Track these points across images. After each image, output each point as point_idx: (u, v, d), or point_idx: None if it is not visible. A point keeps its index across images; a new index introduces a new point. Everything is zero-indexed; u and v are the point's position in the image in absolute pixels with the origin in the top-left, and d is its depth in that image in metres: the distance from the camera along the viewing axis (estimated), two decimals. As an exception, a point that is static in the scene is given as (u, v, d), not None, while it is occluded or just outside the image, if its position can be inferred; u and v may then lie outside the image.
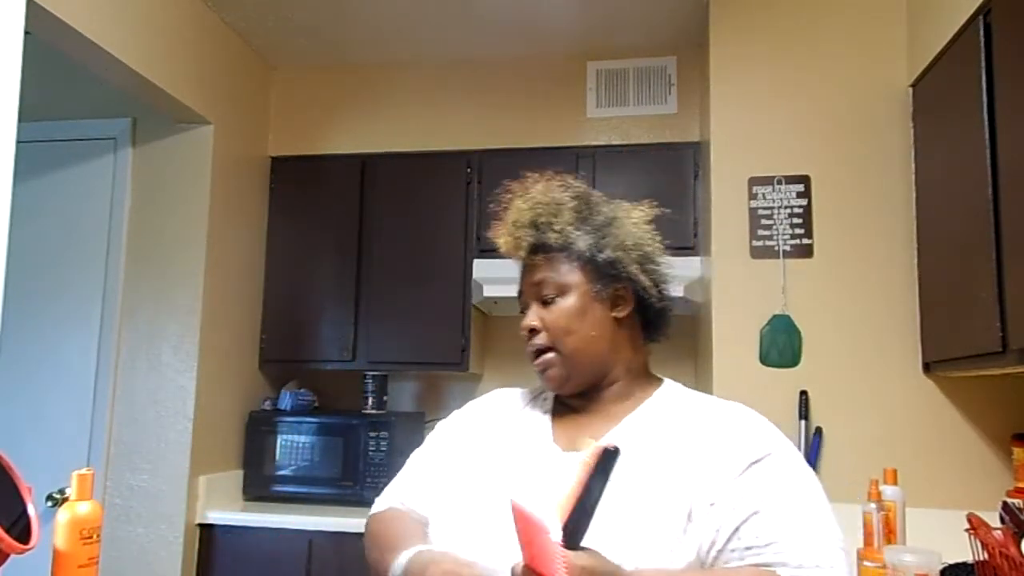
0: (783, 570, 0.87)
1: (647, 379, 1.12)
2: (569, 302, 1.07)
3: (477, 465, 1.08)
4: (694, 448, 0.97)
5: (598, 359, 1.07)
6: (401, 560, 0.95)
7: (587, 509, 0.78)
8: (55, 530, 0.98)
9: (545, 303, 1.08)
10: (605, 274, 1.07)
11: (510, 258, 1.13)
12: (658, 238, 1.13)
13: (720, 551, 0.90)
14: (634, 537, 0.89)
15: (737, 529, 0.89)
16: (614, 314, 1.08)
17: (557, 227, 1.08)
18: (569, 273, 1.07)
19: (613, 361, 1.08)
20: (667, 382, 1.13)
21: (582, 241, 1.08)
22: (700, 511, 0.91)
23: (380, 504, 1.19)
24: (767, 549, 0.88)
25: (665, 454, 0.98)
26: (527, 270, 1.11)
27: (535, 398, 1.18)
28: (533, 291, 1.09)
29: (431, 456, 1.18)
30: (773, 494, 0.91)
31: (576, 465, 0.79)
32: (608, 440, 0.82)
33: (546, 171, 1.16)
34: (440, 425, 1.22)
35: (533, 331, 1.08)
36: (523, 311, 1.11)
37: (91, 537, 0.99)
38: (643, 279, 1.08)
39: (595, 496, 0.78)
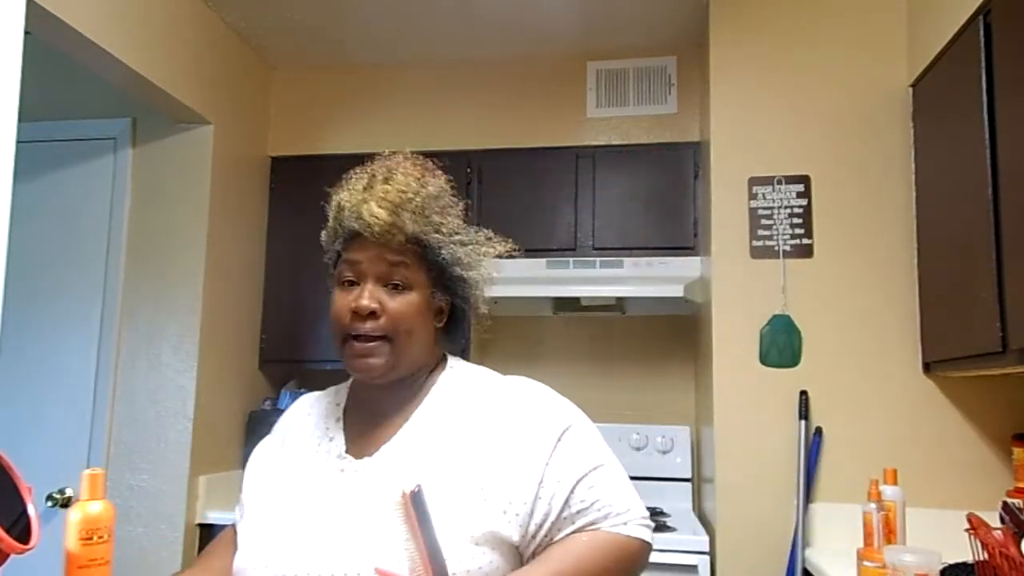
0: (605, 522, 1.00)
1: (434, 365, 1.13)
2: (415, 298, 1.04)
3: (274, 486, 1.07)
4: (496, 431, 1.01)
5: (416, 362, 1.08)
6: None
7: (435, 545, 0.88)
8: (66, 530, 0.97)
9: (396, 287, 1.03)
10: (445, 287, 1.08)
11: (359, 223, 1.03)
12: (491, 269, 1.14)
13: (554, 521, 0.99)
14: (486, 536, 0.95)
15: (567, 499, 0.99)
16: (435, 323, 1.10)
17: (441, 229, 1.06)
18: (419, 271, 1.05)
19: (423, 364, 1.10)
20: (449, 362, 1.14)
21: (447, 250, 1.06)
22: (532, 492, 0.98)
23: None
24: (591, 508, 1.00)
25: (469, 443, 1.01)
26: (378, 243, 1.02)
27: (327, 403, 1.17)
28: (381, 270, 1.03)
29: (245, 480, 1.17)
30: (586, 460, 1.02)
31: (397, 516, 0.89)
32: (406, 475, 0.95)
33: (417, 156, 1.12)
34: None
35: (372, 314, 1.02)
36: (345, 283, 1.05)
37: (97, 538, 0.96)
38: (468, 309, 1.12)
39: (432, 531, 0.88)
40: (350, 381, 1.17)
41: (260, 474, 1.13)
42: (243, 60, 3.09)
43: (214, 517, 2.72)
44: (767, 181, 2.48)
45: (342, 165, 3.81)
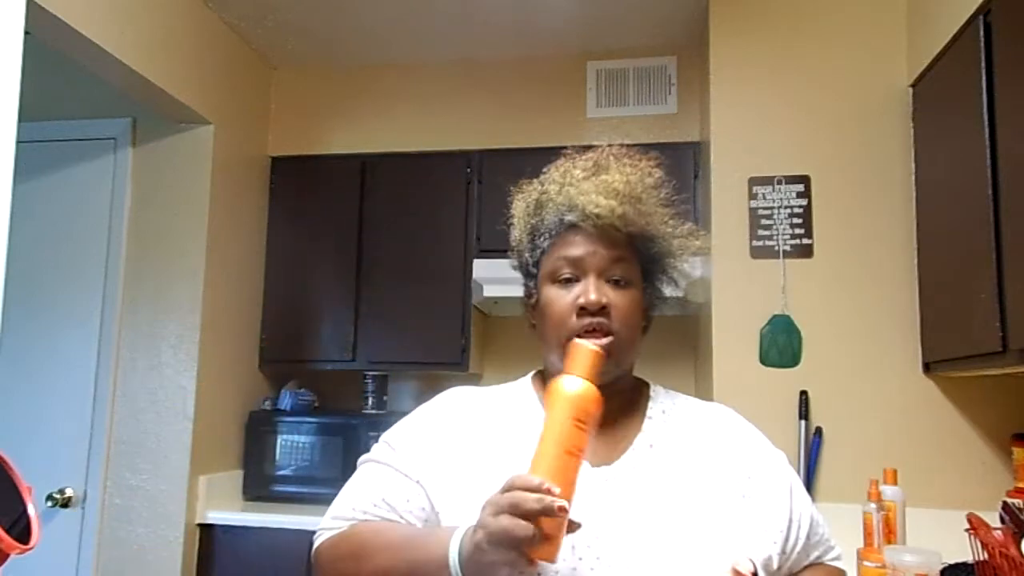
0: (827, 555, 1.07)
1: (634, 378, 1.09)
2: (635, 295, 0.99)
3: (492, 483, 0.88)
4: (738, 455, 1.01)
5: (630, 363, 1.02)
6: (454, 543, 0.83)
7: None
8: (553, 403, 0.82)
9: (617, 283, 0.97)
10: (652, 283, 1.03)
11: (576, 214, 0.97)
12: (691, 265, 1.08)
13: (798, 553, 1.00)
14: (764, 562, 0.94)
15: (809, 531, 1.02)
16: (644, 321, 1.03)
17: (662, 222, 1.01)
18: (636, 266, 0.99)
19: (632, 366, 1.05)
20: (649, 382, 1.10)
21: (664, 244, 1.01)
22: (785, 521, 0.99)
23: (337, 522, 1.02)
24: (821, 541, 1.05)
25: (714, 463, 0.99)
26: (597, 237, 0.96)
27: (513, 401, 1.06)
28: (604, 264, 0.96)
29: (413, 471, 1.00)
30: (808, 497, 1.05)
31: None
32: (740, 556, 0.86)
33: (625, 146, 1.05)
34: (398, 439, 1.05)
35: (602, 309, 0.94)
36: (562, 280, 0.98)
37: (582, 424, 0.82)
38: (662, 305, 1.05)
39: None
40: (527, 380, 1.09)
41: (467, 474, 0.97)
42: (243, 60, 3.09)
43: (214, 517, 2.72)
44: (767, 181, 2.48)
45: (342, 165, 3.81)
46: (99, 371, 2.76)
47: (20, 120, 1.62)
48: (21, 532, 0.95)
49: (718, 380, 2.42)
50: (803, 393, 2.35)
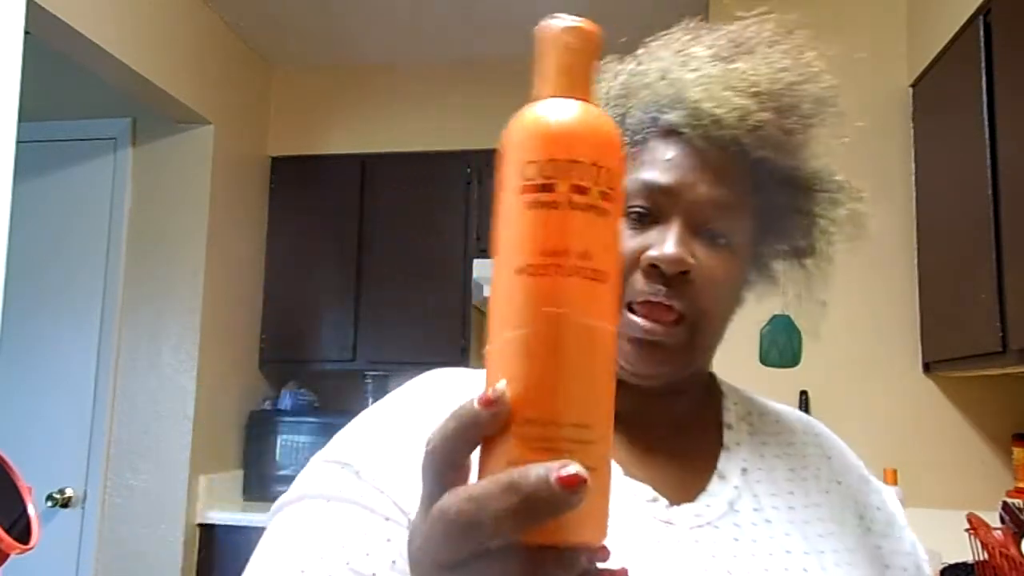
0: None
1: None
2: (737, 264, 0.63)
3: None
4: (845, 481, 0.72)
5: (708, 354, 0.67)
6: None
7: None
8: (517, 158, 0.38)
9: (714, 240, 0.61)
10: (765, 254, 0.70)
11: (681, 113, 0.61)
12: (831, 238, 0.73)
13: None
14: None
15: None
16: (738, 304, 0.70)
17: (807, 158, 0.69)
18: (744, 220, 0.63)
19: (709, 360, 0.70)
20: (719, 377, 0.77)
21: (803, 196, 0.68)
22: (913, 566, 0.72)
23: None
24: None
25: (821, 495, 0.69)
26: (708, 161, 0.60)
27: None
28: (702, 204, 0.60)
29: (399, 512, 0.55)
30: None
31: None
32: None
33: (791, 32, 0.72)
34: (364, 457, 0.59)
35: (683, 274, 0.59)
36: (640, 214, 0.60)
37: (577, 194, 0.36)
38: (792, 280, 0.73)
39: None
40: None
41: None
42: (243, 60, 3.09)
43: (214, 517, 2.72)
44: (767, 181, 2.48)
45: (342, 165, 3.80)
46: (99, 371, 2.76)
47: (20, 120, 1.62)
48: (21, 532, 0.95)
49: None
50: (803, 393, 2.35)
